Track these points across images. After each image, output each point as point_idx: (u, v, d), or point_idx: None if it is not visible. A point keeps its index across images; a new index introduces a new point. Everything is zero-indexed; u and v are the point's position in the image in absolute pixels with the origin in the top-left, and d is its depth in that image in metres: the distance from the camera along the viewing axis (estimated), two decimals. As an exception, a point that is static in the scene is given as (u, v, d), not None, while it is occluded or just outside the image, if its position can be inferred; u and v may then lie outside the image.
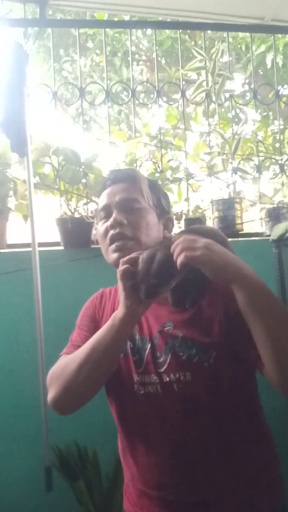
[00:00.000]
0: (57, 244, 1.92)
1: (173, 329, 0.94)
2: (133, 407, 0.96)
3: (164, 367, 0.93)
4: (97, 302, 1.10)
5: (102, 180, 1.09)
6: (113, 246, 0.97)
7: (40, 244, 1.77)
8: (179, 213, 2.02)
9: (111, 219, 0.99)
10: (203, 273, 0.88)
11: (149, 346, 0.96)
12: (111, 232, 0.98)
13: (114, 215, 0.99)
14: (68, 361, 0.94)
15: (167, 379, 0.92)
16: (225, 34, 2.49)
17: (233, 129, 2.24)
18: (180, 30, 2.55)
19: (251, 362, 0.89)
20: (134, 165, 2.05)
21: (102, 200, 1.03)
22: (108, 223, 0.99)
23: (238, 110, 4.25)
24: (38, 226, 1.73)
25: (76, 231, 1.87)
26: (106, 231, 1.00)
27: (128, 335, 0.92)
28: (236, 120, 2.66)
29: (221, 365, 0.91)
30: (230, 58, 2.99)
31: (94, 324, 1.06)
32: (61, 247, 1.90)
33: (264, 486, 0.95)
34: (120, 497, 1.09)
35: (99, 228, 1.03)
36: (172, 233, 1.09)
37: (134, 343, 0.98)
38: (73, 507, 1.68)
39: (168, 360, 0.93)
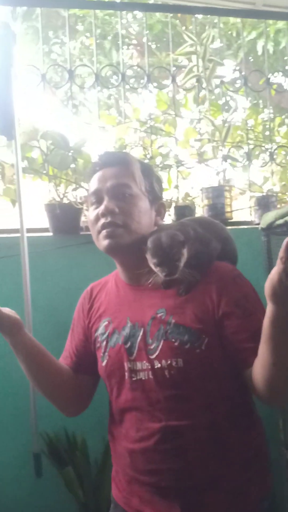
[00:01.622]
0: (45, 230, 1.90)
1: (166, 315, 0.94)
2: (126, 394, 0.96)
3: (156, 353, 0.93)
4: (84, 301, 1.10)
5: (93, 163, 1.06)
6: (104, 232, 0.97)
7: (29, 230, 1.75)
8: (169, 201, 2.00)
9: (102, 207, 0.97)
10: (203, 261, 0.92)
11: (141, 332, 0.96)
12: (102, 220, 0.97)
13: (105, 202, 0.97)
14: None
15: (159, 365, 0.92)
16: (216, 20, 2.46)
17: (223, 116, 2.23)
18: (171, 14, 2.50)
19: (235, 362, 0.93)
20: (124, 150, 2.03)
21: (93, 184, 1.01)
22: (99, 210, 0.98)
23: (228, 98, 4.22)
24: (27, 211, 1.70)
25: (64, 217, 1.84)
26: (97, 218, 0.99)
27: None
28: (226, 107, 2.64)
29: (213, 351, 0.92)
30: (221, 44, 2.96)
31: (82, 326, 1.08)
32: (50, 233, 1.88)
33: (255, 472, 0.97)
34: (108, 482, 1.10)
35: (90, 213, 1.01)
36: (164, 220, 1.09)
37: (126, 331, 0.97)
38: (62, 493, 1.69)
39: (160, 347, 0.93)
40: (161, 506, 0.93)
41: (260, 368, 0.86)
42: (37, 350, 1.01)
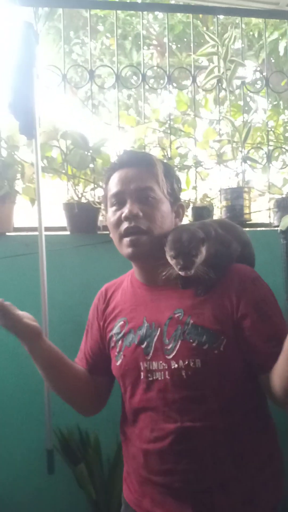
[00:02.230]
0: (63, 229, 1.91)
1: (183, 316, 0.94)
2: (141, 394, 0.96)
3: (173, 354, 0.92)
4: (99, 302, 1.10)
5: (115, 160, 1.04)
6: (127, 240, 0.96)
7: (47, 229, 1.76)
8: (187, 201, 1.99)
9: (126, 211, 0.95)
10: (223, 261, 0.94)
11: (158, 333, 0.95)
12: (126, 224, 0.95)
13: (128, 206, 0.95)
14: None
15: (176, 365, 0.92)
16: (237, 20, 2.43)
17: (243, 117, 2.21)
18: (192, 15, 2.49)
19: (251, 365, 0.92)
20: (143, 151, 2.03)
21: (115, 185, 0.99)
22: (122, 213, 0.96)
23: (248, 99, 4.19)
24: (45, 210, 1.71)
25: (82, 217, 1.85)
26: (119, 221, 0.97)
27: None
28: (246, 108, 2.61)
29: (231, 353, 0.91)
30: (243, 45, 2.94)
31: (97, 327, 1.08)
32: (68, 232, 1.89)
33: (268, 477, 0.96)
34: (120, 481, 1.10)
35: (111, 215, 0.99)
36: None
37: (142, 331, 0.97)
38: (74, 490, 1.70)
39: (177, 347, 0.92)
40: (173, 507, 0.93)
41: (278, 378, 0.86)
42: (55, 356, 1.01)
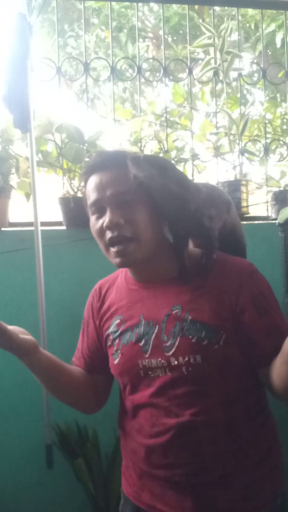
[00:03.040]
0: (59, 223, 1.90)
1: (181, 312, 0.93)
2: (141, 390, 0.96)
3: (173, 350, 0.92)
4: (94, 300, 1.08)
5: (87, 164, 0.99)
6: (114, 250, 0.93)
7: (43, 223, 1.75)
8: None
9: (107, 220, 0.92)
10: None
11: (156, 330, 0.94)
12: (109, 234, 0.92)
13: (109, 214, 0.92)
14: None
15: (176, 362, 0.91)
16: (234, 11, 2.42)
17: (240, 110, 2.19)
18: (188, 6, 2.46)
19: (250, 359, 0.92)
20: (139, 144, 2.01)
21: (91, 192, 0.95)
22: (104, 222, 0.92)
23: (245, 91, 4.17)
24: (41, 205, 1.70)
25: (78, 211, 1.82)
26: (103, 231, 0.94)
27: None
28: (243, 101, 2.60)
29: (231, 347, 0.91)
30: (239, 37, 2.91)
31: (93, 326, 1.07)
32: (64, 227, 1.88)
33: (267, 470, 0.96)
34: (119, 475, 1.10)
35: (93, 223, 0.96)
36: None
37: (139, 328, 0.96)
38: (73, 484, 1.70)
39: (176, 343, 0.91)
40: (173, 500, 0.93)
41: (277, 378, 0.87)
42: (54, 365, 0.99)
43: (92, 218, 0.97)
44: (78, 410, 1.09)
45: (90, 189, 0.95)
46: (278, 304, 0.96)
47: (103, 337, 1.04)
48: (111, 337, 1.01)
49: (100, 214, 0.94)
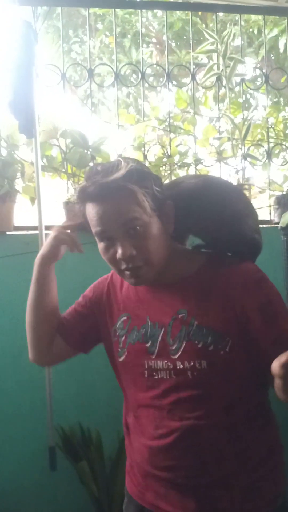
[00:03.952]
0: (63, 227, 1.91)
1: (188, 316, 0.93)
2: (145, 391, 0.96)
3: (178, 354, 0.92)
4: (108, 287, 1.09)
5: (81, 191, 0.91)
6: (127, 273, 0.94)
7: (47, 227, 1.76)
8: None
9: (120, 253, 0.90)
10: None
11: (162, 332, 0.95)
12: (124, 265, 0.92)
13: (120, 247, 0.90)
14: None
15: (181, 366, 0.92)
16: (237, 17, 2.43)
17: (243, 114, 2.21)
18: (191, 12, 2.49)
19: (259, 365, 0.92)
20: (142, 149, 2.03)
21: (96, 222, 0.90)
22: (116, 253, 0.91)
23: (248, 96, 4.19)
24: (45, 209, 1.72)
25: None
26: (115, 259, 0.92)
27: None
28: (246, 105, 2.61)
29: (237, 353, 0.91)
30: (242, 42, 2.93)
31: (98, 307, 1.08)
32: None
33: (268, 471, 0.96)
34: (122, 478, 1.10)
35: (103, 250, 0.94)
36: None
37: (146, 329, 0.97)
38: (76, 487, 1.71)
39: (182, 348, 0.92)
40: (176, 501, 0.94)
41: (279, 393, 0.86)
42: (53, 284, 1.14)
43: (100, 245, 0.94)
44: (34, 347, 1.12)
45: (93, 218, 0.91)
46: (286, 310, 0.95)
47: (107, 329, 1.04)
48: (117, 333, 1.02)
49: (109, 242, 0.92)
